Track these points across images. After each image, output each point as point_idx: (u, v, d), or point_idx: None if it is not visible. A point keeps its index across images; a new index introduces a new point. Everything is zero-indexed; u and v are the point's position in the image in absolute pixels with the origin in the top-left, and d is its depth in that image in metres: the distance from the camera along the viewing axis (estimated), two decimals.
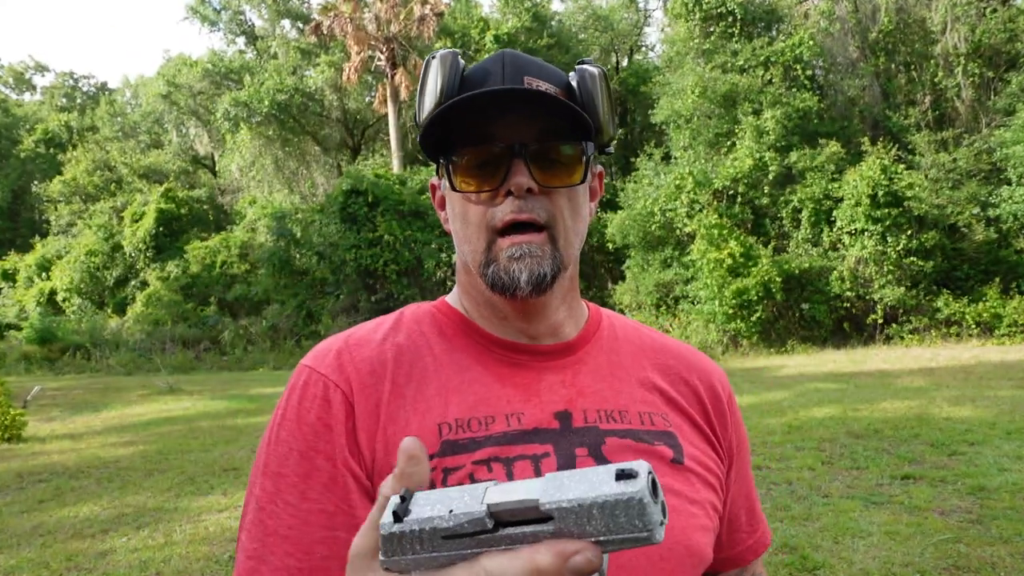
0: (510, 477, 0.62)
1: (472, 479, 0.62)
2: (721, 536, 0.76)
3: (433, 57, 0.69)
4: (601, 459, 0.65)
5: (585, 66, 0.70)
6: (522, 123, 0.66)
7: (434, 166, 0.75)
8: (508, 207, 0.66)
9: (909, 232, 12.22)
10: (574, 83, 0.69)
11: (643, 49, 23.32)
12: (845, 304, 12.78)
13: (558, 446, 0.65)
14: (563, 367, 0.71)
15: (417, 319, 0.73)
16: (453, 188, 0.69)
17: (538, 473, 0.63)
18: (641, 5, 21.97)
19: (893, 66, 15.25)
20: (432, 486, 0.57)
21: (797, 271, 12.80)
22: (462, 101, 0.63)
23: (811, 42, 14.66)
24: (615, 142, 0.74)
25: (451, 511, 0.35)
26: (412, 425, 0.64)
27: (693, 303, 13.60)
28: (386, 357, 0.68)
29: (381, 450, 0.63)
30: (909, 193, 12.12)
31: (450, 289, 0.78)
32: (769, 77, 14.73)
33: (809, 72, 14.93)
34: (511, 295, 0.66)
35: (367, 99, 23.43)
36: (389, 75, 19.58)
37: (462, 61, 0.69)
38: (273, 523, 0.61)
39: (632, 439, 0.68)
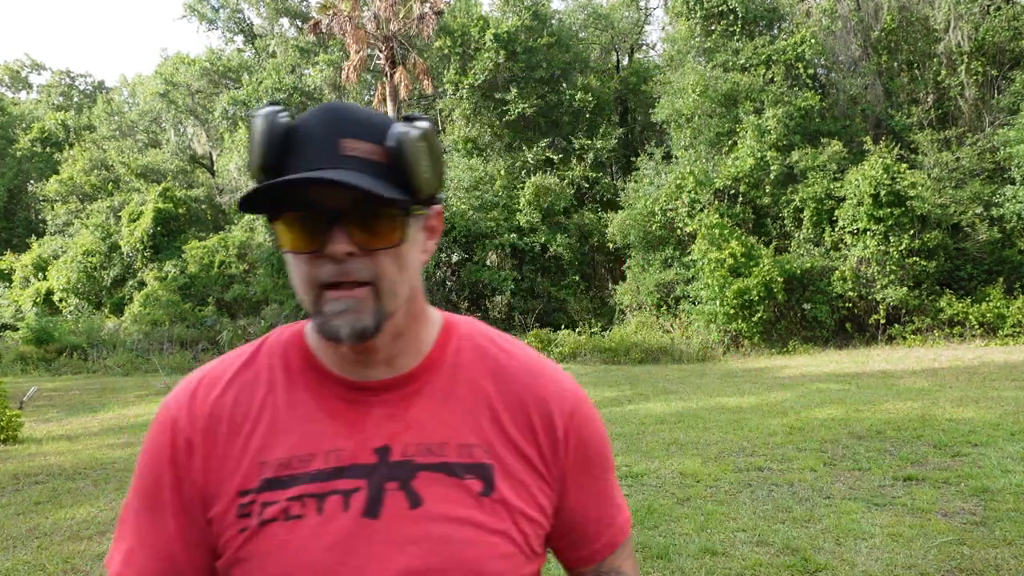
0: (320, 512, 0.71)
1: (287, 514, 0.71)
2: (567, 543, 0.84)
3: (255, 116, 0.72)
4: (411, 493, 0.72)
5: (407, 128, 0.70)
6: (339, 190, 0.67)
7: None
8: (330, 270, 0.69)
9: (912, 232, 12.19)
10: (393, 143, 0.69)
11: (644, 48, 23.28)
12: (847, 304, 12.74)
13: (371, 480, 0.72)
14: (396, 400, 0.76)
15: (272, 351, 0.80)
16: (278, 247, 0.75)
17: (347, 508, 0.71)
18: (642, 3, 21.92)
19: (896, 65, 15.22)
20: (248, 518, 0.72)
21: (799, 271, 12.75)
22: (275, 184, 0.67)
23: (813, 40, 14.63)
24: (443, 196, 0.78)
25: None
26: (242, 463, 0.73)
27: (694, 303, 13.55)
28: (227, 400, 0.77)
29: (214, 482, 0.74)
30: (912, 192, 12.08)
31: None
32: (771, 76, 14.69)
33: (811, 71, 14.90)
34: (336, 344, 0.72)
35: (366, 98, 23.38)
36: (388, 74, 19.53)
37: (283, 119, 0.71)
38: (131, 532, 0.77)
39: (445, 472, 0.73)
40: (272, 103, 0.74)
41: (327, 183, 0.66)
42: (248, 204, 0.70)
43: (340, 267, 0.69)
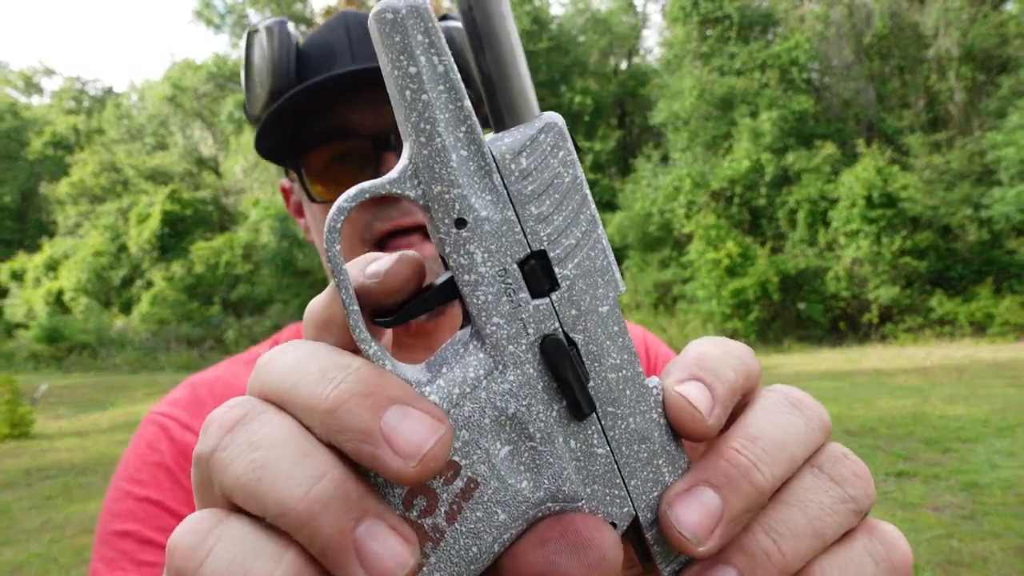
0: None
1: None
2: None
3: (256, 30, 0.54)
4: None
5: (449, 23, 0.53)
6: (386, 106, 0.48)
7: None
8: (387, 212, 0.51)
9: (903, 233, 12.32)
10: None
11: (642, 52, 23.43)
12: (841, 304, 12.88)
13: None
14: None
15: None
16: (311, 198, 0.54)
17: None
18: (640, 8, 22.10)
19: (887, 69, 15.35)
20: None
21: (793, 271, 12.90)
22: (300, 93, 0.49)
23: (807, 45, 14.76)
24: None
25: None
26: None
27: (691, 303, 13.71)
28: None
29: None
30: (903, 194, 12.23)
31: None
32: (766, 80, 14.83)
33: (805, 75, 15.03)
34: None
35: None
36: None
37: (295, 34, 0.54)
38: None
39: None
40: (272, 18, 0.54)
41: (376, 74, 0.45)
42: (265, 142, 0.52)
43: (400, 207, 0.50)
